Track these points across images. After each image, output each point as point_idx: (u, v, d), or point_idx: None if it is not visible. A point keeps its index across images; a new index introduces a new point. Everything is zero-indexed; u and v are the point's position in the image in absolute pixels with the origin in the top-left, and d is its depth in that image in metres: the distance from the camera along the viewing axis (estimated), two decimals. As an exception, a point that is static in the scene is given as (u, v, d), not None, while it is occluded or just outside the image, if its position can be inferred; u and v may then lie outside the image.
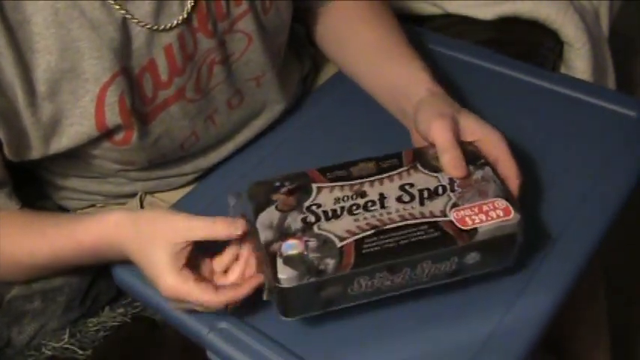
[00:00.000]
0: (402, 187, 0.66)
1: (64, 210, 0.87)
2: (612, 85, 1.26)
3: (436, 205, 0.64)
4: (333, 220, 0.63)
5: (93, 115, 0.69)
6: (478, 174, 0.67)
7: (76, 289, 0.81)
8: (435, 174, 0.67)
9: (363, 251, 0.61)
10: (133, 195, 0.84)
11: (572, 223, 0.73)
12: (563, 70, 1.16)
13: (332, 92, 0.93)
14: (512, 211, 0.64)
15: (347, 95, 0.86)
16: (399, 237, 0.62)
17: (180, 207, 0.78)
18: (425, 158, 0.69)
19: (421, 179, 0.67)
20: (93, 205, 0.86)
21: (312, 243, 0.61)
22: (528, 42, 1.12)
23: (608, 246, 0.77)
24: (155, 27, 0.69)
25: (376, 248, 0.61)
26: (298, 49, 0.93)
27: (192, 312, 0.67)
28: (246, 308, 0.67)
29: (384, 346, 0.65)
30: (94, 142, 0.72)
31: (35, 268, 0.74)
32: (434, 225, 0.63)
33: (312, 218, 0.63)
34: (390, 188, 0.66)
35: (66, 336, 0.80)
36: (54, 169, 0.80)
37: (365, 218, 0.63)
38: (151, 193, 0.85)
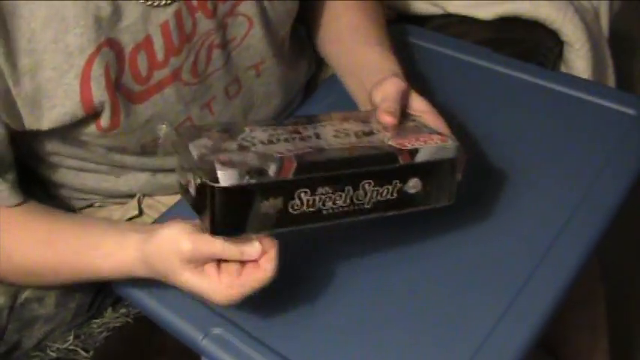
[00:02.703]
0: (336, 131, 0.66)
1: (66, 209, 0.86)
2: (612, 85, 1.26)
3: (374, 138, 0.65)
4: (269, 145, 0.61)
5: (78, 93, 0.67)
6: (410, 123, 0.69)
7: (86, 294, 0.81)
8: (367, 123, 0.68)
9: (304, 159, 0.59)
10: (131, 196, 0.84)
11: (572, 222, 0.73)
12: (563, 70, 1.17)
13: (332, 92, 0.92)
14: (449, 139, 0.65)
15: (347, 95, 0.86)
16: (341, 152, 0.62)
17: (178, 209, 0.77)
18: (355, 116, 0.70)
19: (354, 125, 0.68)
20: (91, 206, 0.86)
21: (251, 155, 0.59)
22: (528, 42, 1.12)
23: (608, 246, 0.77)
24: (150, 2, 0.68)
25: (318, 158, 0.60)
26: (303, 51, 0.93)
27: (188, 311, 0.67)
28: (240, 314, 0.67)
29: (382, 348, 0.65)
30: (81, 127, 0.70)
31: (39, 277, 0.72)
32: (376, 146, 0.63)
33: (247, 144, 0.61)
34: (325, 131, 0.66)
35: (71, 337, 0.80)
36: (50, 160, 0.79)
37: (302, 141, 0.63)
38: (150, 195, 0.84)
